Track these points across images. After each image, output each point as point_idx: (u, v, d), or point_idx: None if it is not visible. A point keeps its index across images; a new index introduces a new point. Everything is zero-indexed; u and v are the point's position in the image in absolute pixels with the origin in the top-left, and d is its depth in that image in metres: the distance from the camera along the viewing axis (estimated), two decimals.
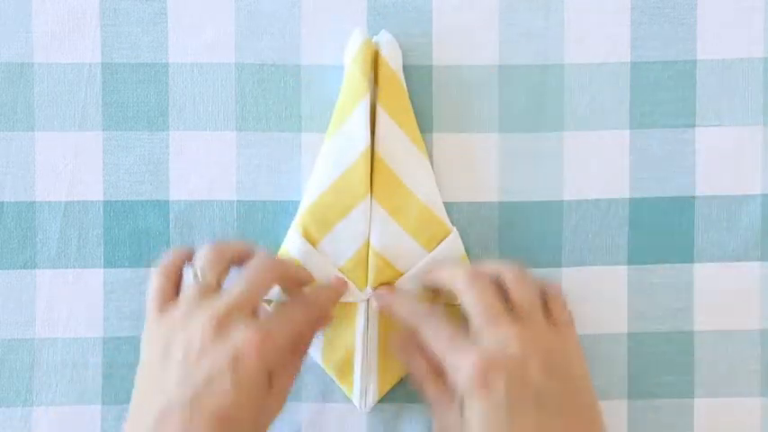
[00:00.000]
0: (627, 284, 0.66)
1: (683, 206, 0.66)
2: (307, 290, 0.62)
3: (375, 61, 0.63)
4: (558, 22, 0.66)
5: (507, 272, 0.59)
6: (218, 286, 0.57)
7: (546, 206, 0.66)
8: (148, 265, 0.65)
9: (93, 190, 0.65)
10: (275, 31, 0.66)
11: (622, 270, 0.66)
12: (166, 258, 0.59)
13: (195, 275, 0.57)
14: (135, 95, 0.65)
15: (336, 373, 0.64)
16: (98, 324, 0.65)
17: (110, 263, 0.65)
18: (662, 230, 0.66)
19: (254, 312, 0.57)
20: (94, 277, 0.65)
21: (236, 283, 0.57)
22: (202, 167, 0.66)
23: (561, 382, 0.56)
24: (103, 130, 0.65)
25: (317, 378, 0.65)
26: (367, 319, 0.63)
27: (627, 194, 0.66)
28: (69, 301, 0.65)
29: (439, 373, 0.58)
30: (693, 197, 0.66)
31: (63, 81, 0.65)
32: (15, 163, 0.65)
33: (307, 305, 0.60)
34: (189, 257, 0.59)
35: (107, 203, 0.65)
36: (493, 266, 0.60)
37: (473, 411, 0.55)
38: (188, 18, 0.65)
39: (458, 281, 0.59)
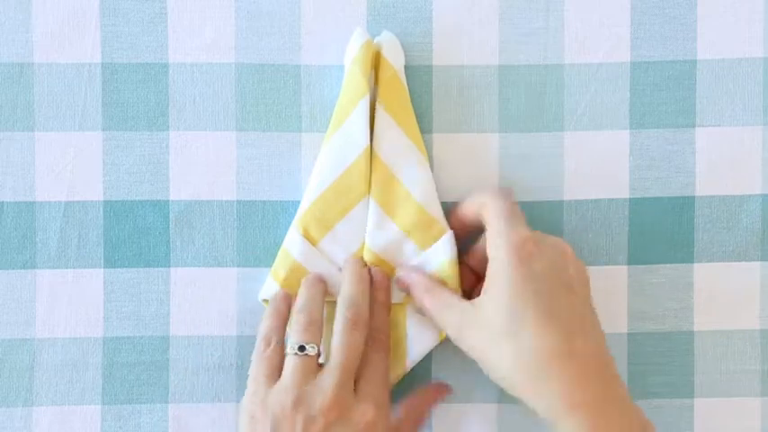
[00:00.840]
0: (627, 284, 0.66)
1: (683, 206, 0.66)
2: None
3: (376, 61, 0.63)
4: (558, 22, 0.66)
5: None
6: (317, 356, 0.59)
7: (546, 206, 0.66)
8: (148, 265, 0.65)
9: (93, 190, 0.65)
10: (275, 31, 0.65)
11: (622, 270, 0.66)
12: (273, 317, 0.61)
13: (297, 350, 0.59)
14: (135, 95, 0.65)
15: None
16: (98, 324, 0.65)
17: (110, 263, 0.65)
18: (662, 230, 0.66)
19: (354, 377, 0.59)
20: (94, 277, 0.65)
21: (337, 357, 0.59)
22: (202, 167, 0.66)
23: (586, 287, 0.60)
24: (103, 130, 0.65)
25: None
26: None
27: (627, 194, 0.66)
28: (69, 301, 0.65)
29: (438, 284, 0.61)
30: (693, 197, 0.66)
31: (63, 81, 0.65)
32: (15, 163, 0.65)
33: (387, 358, 0.62)
34: (286, 319, 0.62)
35: (107, 203, 0.65)
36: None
37: (504, 283, 0.57)
38: (188, 18, 0.65)
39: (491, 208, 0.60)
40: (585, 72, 0.66)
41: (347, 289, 0.61)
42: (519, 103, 0.66)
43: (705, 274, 0.66)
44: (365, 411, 0.58)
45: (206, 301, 0.64)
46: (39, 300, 0.65)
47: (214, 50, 0.65)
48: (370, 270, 0.63)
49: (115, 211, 0.65)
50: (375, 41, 0.63)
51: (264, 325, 0.61)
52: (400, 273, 0.63)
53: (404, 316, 0.64)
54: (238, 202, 0.66)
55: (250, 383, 0.59)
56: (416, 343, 0.63)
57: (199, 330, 0.65)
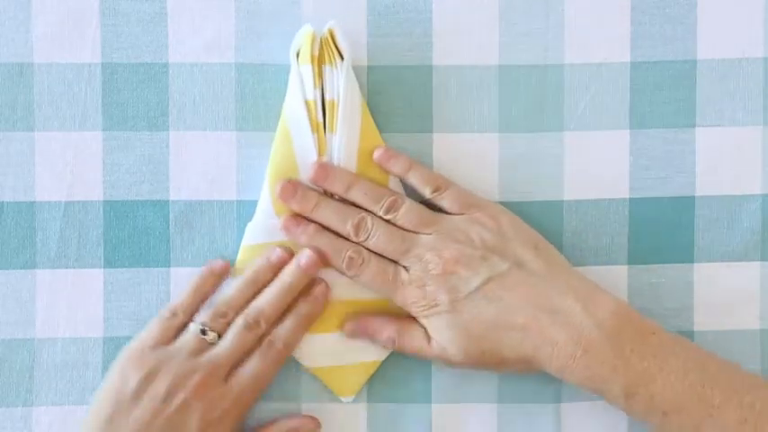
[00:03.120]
0: (627, 284, 0.66)
1: (683, 206, 0.66)
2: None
3: (325, 52, 0.63)
4: (558, 22, 0.66)
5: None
6: (213, 342, 0.61)
7: (546, 206, 0.66)
8: (148, 265, 0.65)
9: (93, 190, 0.65)
10: (275, 31, 0.65)
11: (622, 270, 0.66)
12: (192, 295, 0.63)
13: (200, 331, 0.61)
14: (135, 95, 0.65)
15: None
16: (98, 324, 0.65)
17: (110, 263, 0.65)
18: (662, 230, 0.66)
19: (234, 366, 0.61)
20: (94, 277, 0.65)
21: (229, 348, 0.61)
22: (202, 167, 0.65)
23: (500, 253, 0.61)
24: (103, 130, 0.65)
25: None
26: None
27: (627, 194, 0.66)
28: (69, 301, 0.65)
29: (404, 326, 0.63)
30: (693, 197, 0.66)
31: (63, 81, 0.65)
32: (15, 163, 0.65)
33: (269, 368, 0.62)
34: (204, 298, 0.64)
35: (107, 203, 0.65)
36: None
37: (434, 326, 0.61)
38: (188, 18, 0.65)
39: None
40: (585, 72, 0.66)
41: (263, 295, 0.63)
42: (519, 103, 0.66)
43: (705, 274, 0.66)
44: (222, 403, 0.60)
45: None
46: (39, 300, 0.65)
47: (214, 50, 0.65)
48: (315, 281, 0.63)
49: (115, 211, 0.65)
50: (325, 30, 0.63)
51: (181, 297, 0.63)
52: (351, 328, 0.64)
53: None
54: (238, 202, 0.65)
55: (139, 337, 0.62)
56: None
57: None
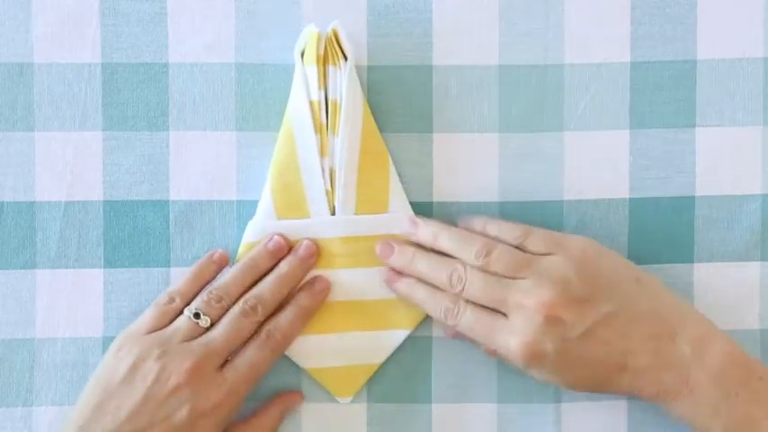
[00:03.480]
0: None
1: (683, 206, 0.66)
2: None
3: (329, 52, 0.63)
4: (558, 22, 0.66)
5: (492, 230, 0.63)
6: (206, 328, 0.61)
7: (546, 206, 0.66)
8: (148, 265, 0.65)
9: (93, 190, 0.65)
10: (275, 31, 0.66)
11: None
12: (191, 282, 0.63)
13: (193, 315, 0.61)
14: (135, 95, 0.65)
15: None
16: (98, 324, 0.65)
17: (110, 263, 0.65)
18: (662, 230, 0.66)
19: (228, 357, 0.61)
20: (94, 277, 0.65)
21: (223, 335, 0.61)
22: (202, 167, 0.66)
23: (595, 300, 0.60)
24: (103, 130, 0.65)
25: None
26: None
27: (627, 194, 0.66)
28: (69, 301, 0.65)
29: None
30: (693, 197, 0.66)
31: (63, 81, 0.65)
32: (15, 163, 0.65)
33: (267, 356, 0.62)
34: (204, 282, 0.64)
35: (107, 203, 0.65)
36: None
37: (543, 370, 0.60)
38: (188, 18, 0.65)
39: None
40: (585, 72, 0.66)
41: (261, 283, 0.63)
42: (519, 103, 0.66)
43: (705, 274, 0.66)
44: (215, 393, 0.59)
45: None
46: (39, 300, 0.65)
47: (214, 50, 0.65)
48: (316, 276, 0.64)
49: (115, 211, 0.65)
50: (329, 30, 0.63)
51: (179, 283, 0.63)
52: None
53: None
54: (238, 202, 0.66)
55: (135, 323, 0.62)
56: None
57: None
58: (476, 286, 0.60)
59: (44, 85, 0.65)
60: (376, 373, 0.65)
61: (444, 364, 0.66)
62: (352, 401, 0.65)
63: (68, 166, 0.65)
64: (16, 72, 0.65)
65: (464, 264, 0.61)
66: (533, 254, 0.61)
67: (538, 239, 0.61)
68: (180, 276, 0.65)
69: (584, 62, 0.66)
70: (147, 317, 0.62)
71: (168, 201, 0.66)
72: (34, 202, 0.65)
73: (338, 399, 0.65)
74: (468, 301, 0.61)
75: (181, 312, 0.61)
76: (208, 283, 0.63)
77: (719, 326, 0.66)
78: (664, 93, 0.66)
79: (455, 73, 0.66)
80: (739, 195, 0.66)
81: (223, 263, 0.64)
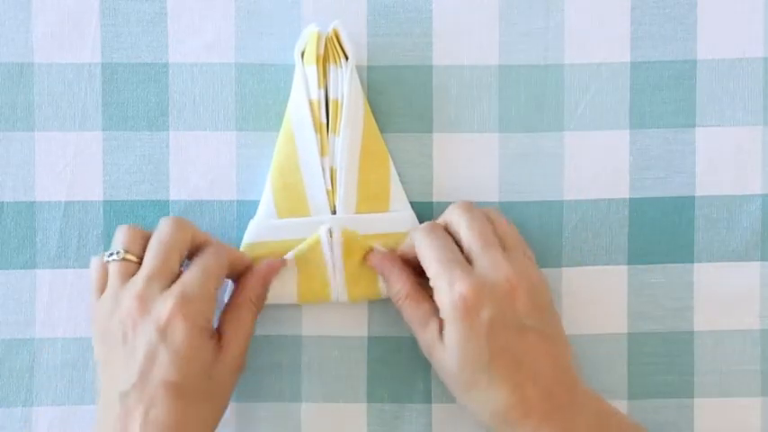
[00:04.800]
0: (627, 284, 0.66)
1: (683, 206, 0.66)
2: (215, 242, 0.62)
3: (330, 52, 0.63)
4: (558, 22, 0.66)
5: (490, 210, 0.62)
6: (138, 263, 0.59)
7: (546, 206, 0.66)
8: None
9: (93, 190, 0.65)
10: (275, 31, 0.66)
11: (622, 270, 0.66)
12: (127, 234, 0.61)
13: (113, 254, 0.60)
14: (135, 95, 0.65)
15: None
16: None
17: None
18: (662, 230, 0.66)
19: (172, 279, 0.59)
20: None
21: (150, 254, 0.59)
22: (202, 167, 0.66)
23: (544, 312, 0.59)
24: (103, 130, 0.65)
25: (318, 378, 0.65)
26: (331, 249, 0.63)
27: (627, 194, 0.66)
28: (69, 301, 0.65)
29: (418, 292, 0.61)
30: (693, 197, 0.66)
31: (63, 81, 0.65)
32: (15, 163, 0.65)
33: (216, 252, 0.61)
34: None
35: (107, 203, 0.65)
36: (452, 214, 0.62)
37: (454, 336, 0.57)
38: (188, 18, 0.65)
39: (453, 209, 0.61)
40: (585, 72, 0.66)
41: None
42: (519, 103, 0.66)
43: (705, 274, 0.66)
44: (165, 308, 0.57)
45: None
46: (39, 300, 0.65)
47: (214, 50, 0.65)
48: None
49: (115, 211, 0.65)
50: (330, 30, 0.63)
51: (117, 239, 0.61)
52: (377, 258, 0.63)
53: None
54: (238, 201, 0.66)
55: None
56: None
57: None
58: (477, 214, 0.60)
59: (44, 85, 0.65)
60: (376, 372, 0.65)
61: None
62: (352, 401, 0.65)
63: (68, 166, 0.65)
64: (16, 72, 0.65)
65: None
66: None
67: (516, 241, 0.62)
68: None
69: (584, 62, 0.66)
70: (93, 280, 0.61)
71: (168, 201, 0.66)
72: (34, 202, 0.65)
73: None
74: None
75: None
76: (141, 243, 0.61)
77: (719, 326, 0.66)
78: (664, 93, 0.66)
79: (455, 73, 0.66)
80: (739, 195, 0.66)
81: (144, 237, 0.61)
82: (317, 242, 0.63)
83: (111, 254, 0.60)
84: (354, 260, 0.63)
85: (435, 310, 0.59)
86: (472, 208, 0.61)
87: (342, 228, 0.63)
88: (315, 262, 0.63)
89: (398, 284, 0.62)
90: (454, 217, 0.61)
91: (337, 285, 0.63)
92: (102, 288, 0.60)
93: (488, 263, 0.58)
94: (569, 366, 0.59)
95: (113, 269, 0.59)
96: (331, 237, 0.63)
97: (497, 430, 0.58)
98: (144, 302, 0.57)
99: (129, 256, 0.59)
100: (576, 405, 0.58)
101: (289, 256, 0.63)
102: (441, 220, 0.62)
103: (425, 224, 0.62)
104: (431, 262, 0.59)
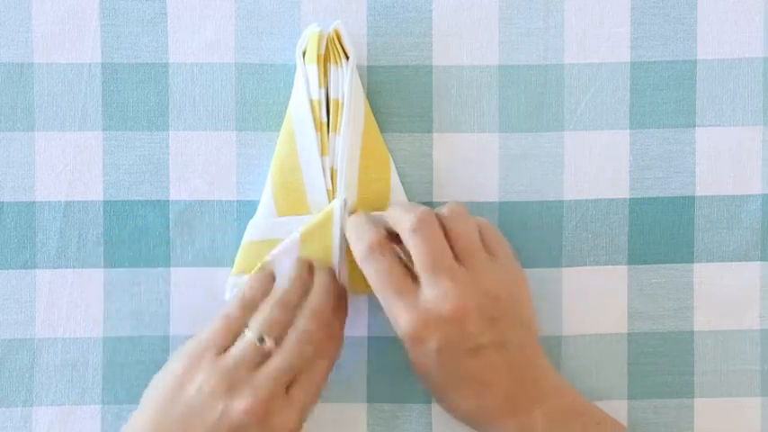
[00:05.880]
0: (627, 284, 0.66)
1: (683, 206, 0.66)
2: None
3: (331, 52, 0.63)
4: (558, 22, 0.66)
5: (446, 212, 0.60)
6: (270, 351, 0.57)
7: (546, 206, 0.66)
8: (148, 265, 0.65)
9: (93, 190, 0.65)
10: (275, 31, 0.66)
11: (622, 270, 0.66)
12: (240, 307, 0.59)
13: (257, 339, 0.58)
14: (135, 95, 0.65)
15: None
16: (98, 324, 0.65)
17: (110, 263, 0.65)
18: (662, 230, 0.66)
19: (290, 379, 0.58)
20: (94, 277, 0.65)
21: (283, 356, 0.57)
22: (202, 167, 0.66)
23: (501, 320, 0.58)
24: (103, 130, 0.65)
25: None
26: (342, 220, 0.62)
27: (627, 194, 0.66)
28: (69, 301, 0.65)
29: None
30: (693, 197, 0.66)
31: (63, 81, 0.65)
32: (15, 163, 0.65)
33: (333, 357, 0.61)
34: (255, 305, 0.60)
35: (107, 203, 0.65)
36: (436, 210, 0.61)
37: (412, 358, 0.59)
38: (188, 18, 0.65)
39: (403, 226, 0.59)
40: (585, 72, 0.66)
41: (315, 299, 0.59)
42: (519, 103, 0.66)
43: (705, 274, 0.66)
44: (288, 420, 0.57)
45: (206, 301, 0.64)
46: (39, 300, 0.65)
47: (214, 50, 0.65)
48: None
49: (115, 211, 0.65)
50: (330, 29, 0.63)
51: (230, 312, 0.59)
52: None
53: None
54: (238, 202, 0.66)
55: (204, 335, 0.58)
56: None
57: None
58: (429, 228, 0.58)
59: (44, 85, 0.65)
60: (376, 372, 0.65)
61: None
62: (352, 401, 0.65)
63: (68, 166, 0.65)
64: (16, 72, 0.65)
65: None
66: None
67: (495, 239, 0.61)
68: (181, 279, 0.65)
69: (584, 62, 0.66)
70: (217, 331, 0.58)
71: (168, 201, 0.66)
72: (34, 202, 0.65)
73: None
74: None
75: (238, 334, 0.58)
76: (257, 306, 0.60)
77: (719, 326, 0.66)
78: (664, 93, 0.66)
79: (455, 73, 0.66)
80: (739, 195, 0.66)
81: (265, 287, 0.61)
82: (329, 217, 0.62)
83: (260, 340, 0.57)
84: None
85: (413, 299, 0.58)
86: (422, 224, 0.58)
87: (353, 203, 0.63)
88: (321, 243, 0.63)
89: (369, 237, 0.59)
90: (404, 233, 0.59)
91: (340, 271, 0.63)
92: (221, 347, 0.57)
93: (435, 292, 0.57)
94: (533, 365, 0.60)
95: (248, 350, 0.57)
96: (345, 207, 0.62)
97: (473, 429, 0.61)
98: (265, 413, 0.56)
99: (268, 344, 0.57)
100: (538, 400, 0.59)
101: (294, 236, 0.63)
102: (391, 220, 0.60)
103: (373, 245, 0.59)
104: (375, 291, 0.59)
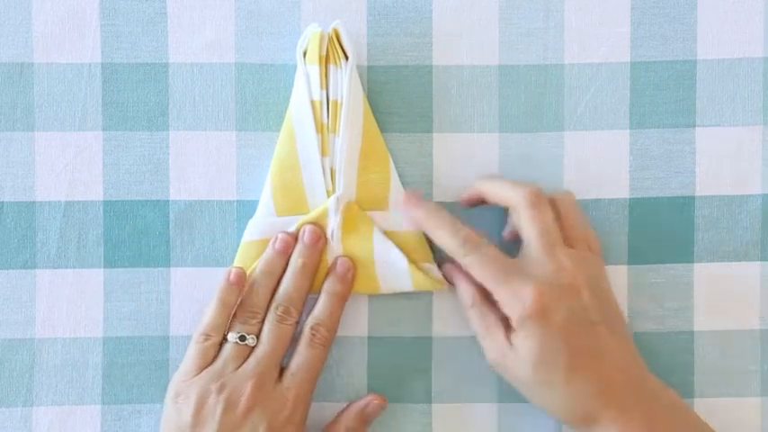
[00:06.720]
0: (627, 284, 0.66)
1: (683, 206, 0.66)
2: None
3: (331, 52, 0.63)
4: (558, 22, 0.66)
5: (562, 200, 0.63)
6: (253, 347, 0.62)
7: None
8: (148, 265, 0.65)
9: (93, 190, 0.65)
10: (275, 31, 0.66)
11: (622, 270, 0.66)
12: (217, 312, 0.62)
13: (239, 339, 0.61)
14: (135, 95, 0.65)
15: None
16: (98, 324, 0.65)
17: (110, 263, 0.65)
18: (662, 230, 0.66)
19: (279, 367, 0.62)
20: (94, 277, 0.65)
21: (263, 344, 0.61)
22: (202, 167, 0.66)
23: (606, 304, 0.60)
24: (103, 130, 0.65)
25: (318, 378, 0.65)
26: (335, 215, 0.63)
27: (627, 194, 0.66)
28: (69, 301, 0.65)
29: (484, 301, 0.61)
30: (693, 197, 0.66)
31: (63, 81, 0.65)
32: (15, 163, 0.65)
33: (321, 342, 0.62)
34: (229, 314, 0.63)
35: (107, 203, 0.65)
36: (547, 194, 0.62)
37: (527, 341, 0.58)
38: (188, 18, 0.65)
39: (519, 200, 0.61)
40: (585, 72, 0.66)
41: (283, 284, 0.63)
42: (519, 103, 0.66)
43: (705, 274, 0.66)
44: (284, 403, 0.60)
45: (206, 301, 0.64)
46: (39, 300, 0.65)
47: (214, 50, 0.65)
48: (337, 259, 0.63)
49: (115, 211, 0.65)
50: (330, 30, 0.63)
51: (209, 317, 0.62)
52: (448, 267, 0.63)
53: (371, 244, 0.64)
54: (238, 202, 0.66)
55: (182, 365, 0.61)
56: (387, 271, 0.64)
57: None
58: (545, 205, 0.61)
59: (44, 85, 0.65)
60: (376, 372, 0.65)
61: (444, 364, 0.66)
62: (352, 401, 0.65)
63: (68, 166, 0.65)
64: (16, 72, 0.65)
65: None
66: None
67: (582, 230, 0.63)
68: (181, 279, 0.65)
69: (584, 62, 0.66)
70: (191, 358, 0.61)
71: (168, 201, 0.66)
72: (34, 202, 0.65)
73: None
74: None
75: (221, 344, 0.62)
76: (234, 307, 0.63)
77: (719, 326, 0.66)
78: (664, 93, 0.66)
79: (455, 73, 0.66)
80: (739, 195, 0.66)
81: (242, 281, 0.63)
82: (324, 214, 0.63)
83: (241, 338, 0.61)
84: (352, 242, 0.63)
85: (501, 317, 0.60)
86: (538, 201, 0.61)
87: (348, 200, 0.63)
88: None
89: (464, 293, 0.62)
90: (519, 207, 0.61)
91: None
92: (204, 364, 0.61)
93: (553, 265, 0.59)
94: (639, 359, 0.60)
95: (233, 352, 0.61)
96: (338, 204, 0.63)
97: (575, 428, 0.60)
98: (262, 396, 0.60)
99: (251, 342, 0.61)
100: (653, 397, 0.59)
101: (291, 229, 0.63)
102: (504, 201, 0.62)
103: (468, 238, 0.60)
104: (484, 280, 0.60)
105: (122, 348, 0.65)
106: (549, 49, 0.66)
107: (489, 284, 0.60)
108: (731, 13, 0.66)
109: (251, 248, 0.64)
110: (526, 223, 0.60)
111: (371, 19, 0.66)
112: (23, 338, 0.65)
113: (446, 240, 0.61)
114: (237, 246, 0.64)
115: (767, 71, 0.66)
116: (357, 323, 0.66)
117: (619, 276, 0.66)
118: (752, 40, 0.66)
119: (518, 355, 0.58)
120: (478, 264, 0.60)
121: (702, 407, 0.66)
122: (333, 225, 0.63)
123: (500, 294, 0.59)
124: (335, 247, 0.63)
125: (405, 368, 0.66)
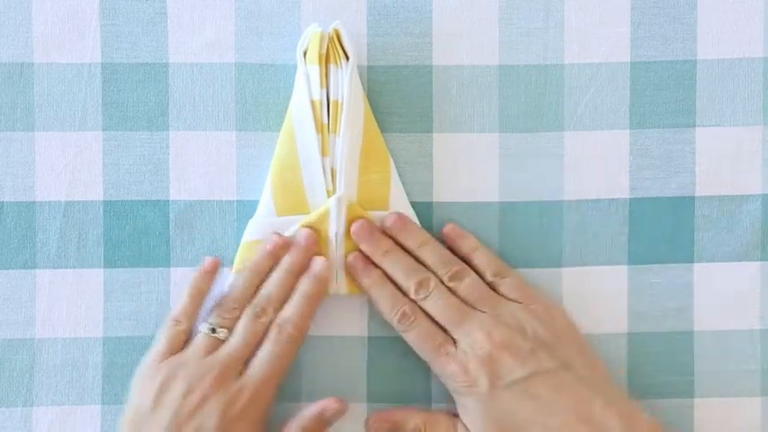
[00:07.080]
0: (627, 284, 0.66)
1: (683, 206, 0.66)
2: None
3: (331, 52, 0.63)
4: (558, 22, 0.66)
5: (446, 271, 0.63)
6: (223, 340, 0.62)
7: (546, 206, 0.66)
8: (148, 265, 0.65)
9: (93, 190, 0.65)
10: (275, 31, 0.66)
11: (622, 270, 0.66)
12: (190, 300, 0.63)
13: (210, 330, 0.62)
14: (135, 95, 0.65)
15: None
16: (98, 324, 0.65)
17: (110, 263, 0.65)
18: (662, 230, 0.66)
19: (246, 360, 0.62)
20: (94, 277, 0.65)
21: (233, 338, 0.62)
22: (202, 167, 0.66)
23: (543, 352, 0.61)
24: (103, 130, 0.65)
25: (318, 378, 0.65)
26: (338, 218, 0.63)
27: (627, 194, 0.66)
28: (69, 301, 0.65)
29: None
30: (693, 197, 0.66)
31: (63, 81, 0.65)
32: (15, 163, 0.65)
33: (287, 339, 0.62)
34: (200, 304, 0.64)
35: (107, 203, 0.65)
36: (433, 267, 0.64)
37: (468, 408, 0.61)
38: (188, 18, 0.65)
39: (414, 293, 0.63)
40: (585, 72, 0.66)
41: (267, 283, 0.63)
42: (519, 103, 0.66)
43: (705, 274, 0.66)
44: (240, 394, 0.60)
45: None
46: (39, 300, 0.65)
47: (214, 50, 0.65)
48: (313, 258, 0.63)
49: (115, 211, 0.65)
50: (330, 30, 0.63)
51: (180, 304, 0.63)
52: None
53: None
54: (238, 202, 0.66)
55: (150, 353, 0.62)
56: None
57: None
58: (438, 303, 0.62)
59: (44, 85, 0.65)
60: (376, 372, 0.65)
61: None
62: (352, 402, 0.65)
63: (68, 166, 0.65)
64: (16, 72, 0.65)
65: (436, 278, 0.62)
66: (501, 296, 0.63)
67: (511, 286, 0.63)
68: (181, 279, 0.65)
69: (584, 62, 0.66)
70: (160, 344, 0.62)
71: (168, 201, 0.66)
72: (34, 202, 0.65)
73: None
74: (425, 314, 0.62)
75: (190, 332, 0.62)
76: (206, 294, 0.63)
77: (719, 326, 0.66)
78: (664, 93, 0.66)
79: (455, 73, 0.66)
80: (739, 195, 0.66)
81: (215, 269, 0.63)
82: (326, 214, 0.63)
83: (212, 330, 0.62)
84: (354, 243, 0.63)
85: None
86: (426, 281, 0.62)
87: (349, 200, 0.63)
88: (319, 239, 0.63)
89: (412, 423, 0.63)
90: (417, 299, 0.62)
91: (336, 270, 0.63)
92: (172, 351, 0.62)
93: (467, 340, 0.61)
94: (601, 387, 0.61)
95: (203, 343, 0.62)
96: (340, 205, 0.63)
97: None
98: (221, 385, 0.60)
99: (221, 335, 0.62)
100: (612, 423, 0.59)
101: (292, 230, 0.63)
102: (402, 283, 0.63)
103: (404, 314, 0.62)
104: (420, 354, 0.63)
105: (122, 348, 0.65)
106: (549, 49, 0.66)
107: (425, 358, 0.62)
108: (731, 13, 0.66)
109: (251, 248, 0.64)
110: (430, 312, 0.62)
111: (371, 19, 0.66)
112: (23, 338, 0.65)
113: (385, 313, 0.63)
114: (237, 246, 0.64)
115: (767, 71, 0.66)
116: (357, 323, 0.66)
117: (619, 276, 0.66)
118: (752, 40, 0.66)
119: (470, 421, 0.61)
120: (413, 340, 0.62)
121: (702, 407, 0.66)
122: (336, 227, 0.63)
123: (435, 370, 0.62)
124: (338, 248, 0.63)
125: (405, 368, 0.66)
